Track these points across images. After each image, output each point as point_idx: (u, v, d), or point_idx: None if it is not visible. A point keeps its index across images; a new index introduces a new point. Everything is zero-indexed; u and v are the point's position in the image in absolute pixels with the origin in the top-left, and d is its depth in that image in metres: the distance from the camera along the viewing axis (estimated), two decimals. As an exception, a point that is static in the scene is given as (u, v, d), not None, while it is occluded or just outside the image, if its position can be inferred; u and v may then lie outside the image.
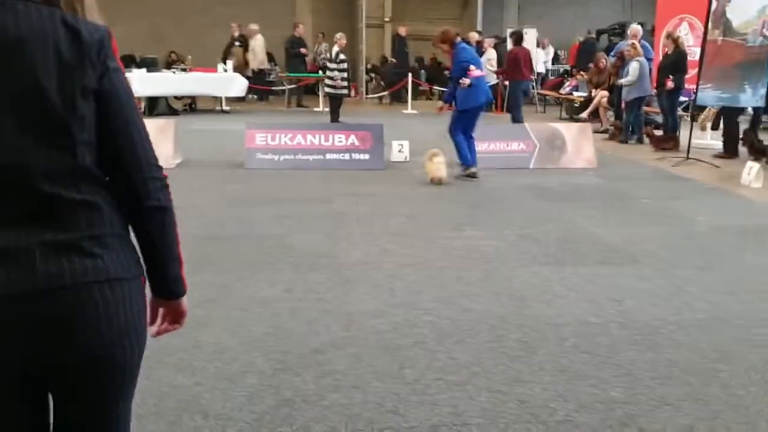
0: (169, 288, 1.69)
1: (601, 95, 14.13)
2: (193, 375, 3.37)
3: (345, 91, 13.67)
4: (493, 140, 9.71)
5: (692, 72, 11.07)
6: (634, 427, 2.97)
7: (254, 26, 16.13)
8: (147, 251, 1.61)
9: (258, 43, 15.79)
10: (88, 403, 1.55)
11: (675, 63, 11.05)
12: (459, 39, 8.64)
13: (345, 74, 13.25)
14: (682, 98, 11.98)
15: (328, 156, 9.31)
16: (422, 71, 21.74)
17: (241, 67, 16.67)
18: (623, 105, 12.07)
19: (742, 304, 4.44)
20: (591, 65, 15.50)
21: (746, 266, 5.26)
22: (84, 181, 1.49)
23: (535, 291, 4.67)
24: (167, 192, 1.62)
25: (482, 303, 4.41)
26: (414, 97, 18.44)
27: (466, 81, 8.14)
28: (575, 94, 16.37)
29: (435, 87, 20.68)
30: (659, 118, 12.46)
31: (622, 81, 11.92)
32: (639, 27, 13.33)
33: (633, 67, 11.72)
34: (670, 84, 11.00)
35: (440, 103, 13.35)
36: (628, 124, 12.21)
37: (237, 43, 16.83)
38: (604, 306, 4.38)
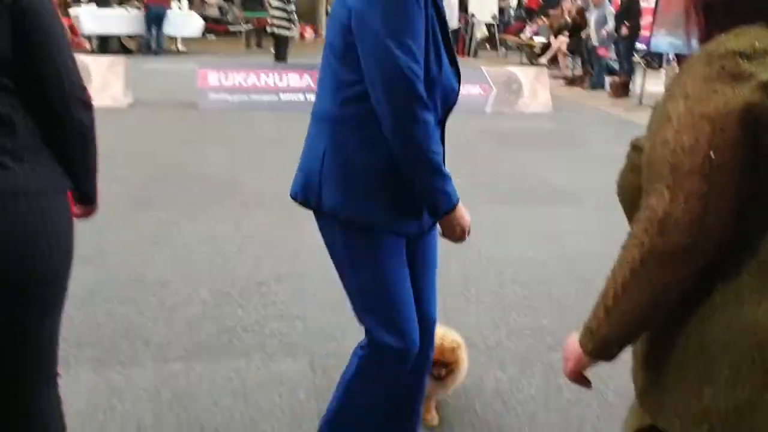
0: (84, 196, 1.75)
1: (561, 41, 14.16)
2: (135, 306, 3.41)
3: (287, 32, 13.08)
4: (450, 83, 9.72)
5: (648, 18, 11.15)
6: (560, 351, 3.11)
7: None
8: (66, 165, 1.63)
9: None
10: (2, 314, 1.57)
11: (628, 9, 11.15)
12: None
13: (287, 14, 12.71)
14: (639, 45, 12.09)
15: (283, 97, 9.23)
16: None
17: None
18: (614, 51, 12.10)
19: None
20: (551, 11, 15.48)
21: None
22: None
23: (480, 229, 4.74)
24: (90, 112, 1.62)
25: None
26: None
27: None
28: (536, 39, 16.37)
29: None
30: (615, 64, 12.58)
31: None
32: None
33: (609, 11, 11.89)
34: (624, 30, 11.10)
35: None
36: (601, 69, 12.33)
37: None
38: (546, 243, 4.51)
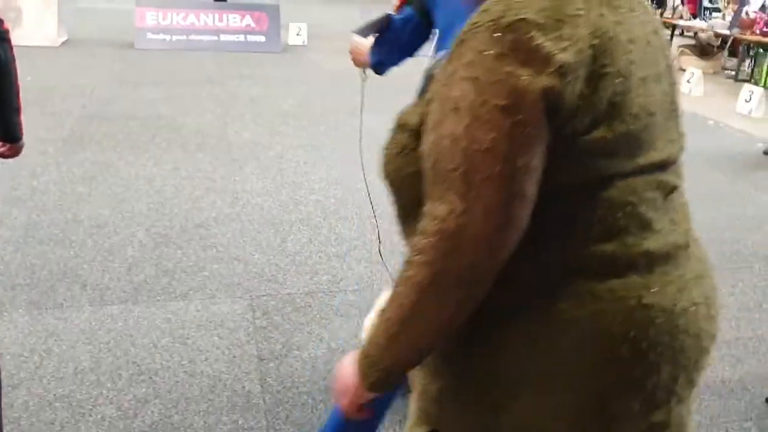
0: (7, 133, 1.71)
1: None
2: (71, 248, 3.35)
3: None
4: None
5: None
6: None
7: None
8: None
9: None
10: None
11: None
12: None
13: None
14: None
15: (222, 37, 9.00)
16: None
17: None
18: None
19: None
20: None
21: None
22: None
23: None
24: (7, 45, 1.58)
25: (369, 182, 4.52)
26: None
27: None
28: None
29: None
30: None
31: None
32: None
33: None
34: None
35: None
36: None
37: None
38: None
